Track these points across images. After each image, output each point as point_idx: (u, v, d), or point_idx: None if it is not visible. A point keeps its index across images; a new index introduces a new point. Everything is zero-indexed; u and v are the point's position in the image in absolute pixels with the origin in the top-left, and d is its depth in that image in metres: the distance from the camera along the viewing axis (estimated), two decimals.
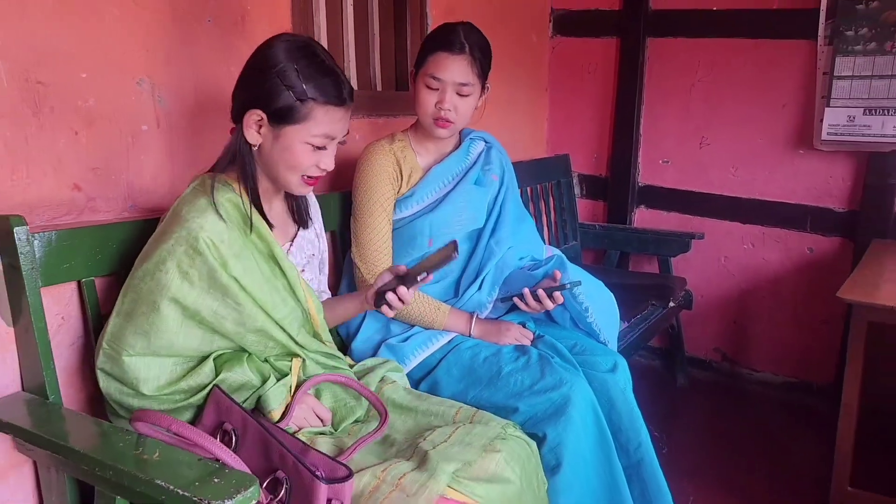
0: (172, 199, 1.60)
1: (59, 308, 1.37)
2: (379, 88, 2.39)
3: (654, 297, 2.69)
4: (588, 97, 3.22)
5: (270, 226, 1.40)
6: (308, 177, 1.39)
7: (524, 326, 1.86)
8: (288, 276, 1.40)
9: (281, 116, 1.32)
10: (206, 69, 1.69)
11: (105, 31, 1.47)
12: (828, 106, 2.61)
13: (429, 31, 2.47)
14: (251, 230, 1.35)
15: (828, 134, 2.63)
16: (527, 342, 1.79)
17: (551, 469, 1.54)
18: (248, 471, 1.05)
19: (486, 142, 2.01)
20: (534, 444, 1.53)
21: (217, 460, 1.07)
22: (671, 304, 2.70)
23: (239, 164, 1.37)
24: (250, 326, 1.34)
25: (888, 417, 2.54)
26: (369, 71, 2.37)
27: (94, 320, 1.41)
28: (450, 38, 1.75)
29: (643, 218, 3.20)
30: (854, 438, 1.92)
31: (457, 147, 1.95)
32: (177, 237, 1.28)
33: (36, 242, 1.28)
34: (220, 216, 1.31)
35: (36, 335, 1.26)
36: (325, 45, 2.08)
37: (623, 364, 1.78)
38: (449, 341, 1.80)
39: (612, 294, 1.95)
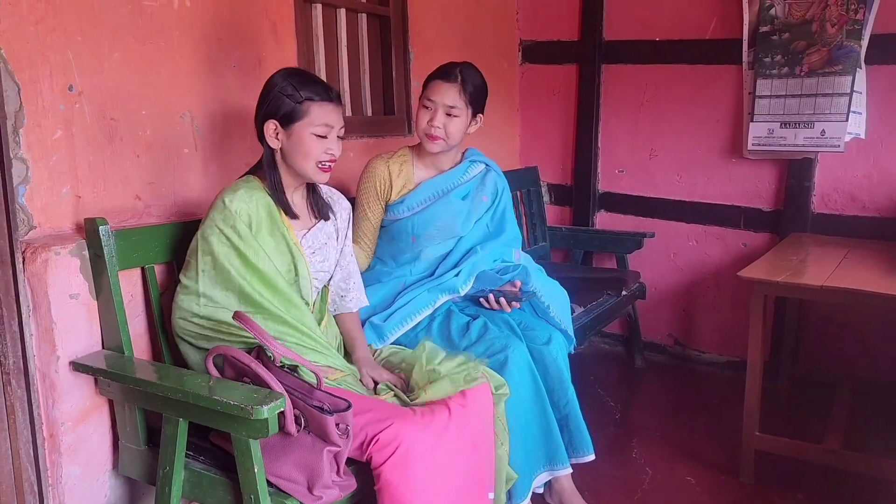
0: (207, 206, 2.06)
1: (129, 288, 1.81)
2: (369, 114, 2.85)
3: (609, 288, 3.12)
4: (553, 116, 3.68)
5: (293, 214, 1.82)
6: (320, 163, 1.78)
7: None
8: (290, 245, 1.80)
9: (288, 119, 1.74)
10: (232, 103, 2.14)
11: (158, 78, 1.93)
12: (752, 121, 3.07)
13: (411, 64, 2.95)
14: (271, 212, 1.78)
15: (753, 145, 3.09)
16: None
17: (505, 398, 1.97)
18: (282, 391, 1.49)
19: (486, 165, 2.38)
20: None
21: (258, 385, 1.51)
22: (623, 293, 3.13)
23: (267, 167, 1.79)
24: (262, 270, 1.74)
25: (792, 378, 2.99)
26: (361, 99, 2.82)
27: (154, 297, 1.85)
28: (447, 70, 2.18)
29: (603, 220, 3.64)
30: (759, 393, 2.35)
31: (455, 165, 2.32)
32: (216, 211, 1.73)
33: (114, 238, 1.72)
34: (246, 197, 1.75)
35: (115, 307, 1.71)
36: (325, 78, 2.55)
37: (558, 338, 2.20)
38: (418, 323, 2.20)
39: (565, 291, 2.38)
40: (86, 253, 1.71)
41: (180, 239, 1.91)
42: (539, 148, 3.76)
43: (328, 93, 1.78)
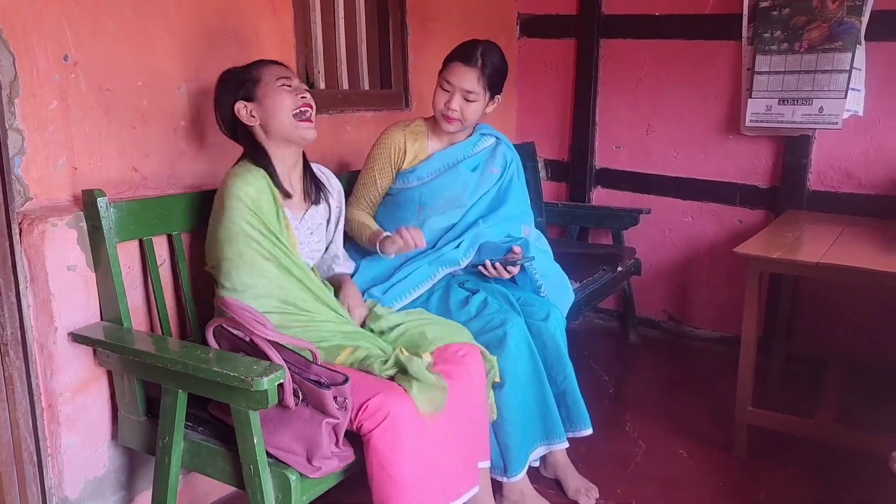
0: (203, 178, 2.07)
1: (126, 260, 1.81)
2: (366, 87, 2.83)
3: (605, 263, 3.13)
4: (551, 91, 3.67)
5: (287, 195, 1.84)
6: (297, 113, 1.79)
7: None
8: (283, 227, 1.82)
9: (250, 91, 1.79)
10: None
11: (154, 49, 1.91)
12: (750, 97, 3.06)
13: (409, 38, 2.92)
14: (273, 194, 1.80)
15: (750, 121, 3.08)
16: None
17: (496, 387, 2.00)
18: (281, 362, 1.49)
19: (496, 139, 2.36)
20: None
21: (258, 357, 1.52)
22: (619, 269, 3.15)
23: (253, 153, 1.81)
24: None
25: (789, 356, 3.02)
26: (358, 72, 2.80)
27: (152, 269, 1.85)
28: (468, 52, 2.14)
29: (600, 197, 3.65)
30: (753, 368, 2.37)
31: (467, 138, 2.31)
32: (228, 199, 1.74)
33: (112, 210, 1.71)
34: (252, 183, 1.76)
35: (114, 278, 1.70)
36: (321, 52, 2.53)
37: (556, 314, 2.20)
38: (419, 296, 2.20)
39: (566, 275, 2.39)
40: (83, 224, 1.70)
41: (179, 211, 1.91)
42: (536, 123, 3.75)
43: (268, 60, 1.86)
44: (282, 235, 1.79)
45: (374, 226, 2.22)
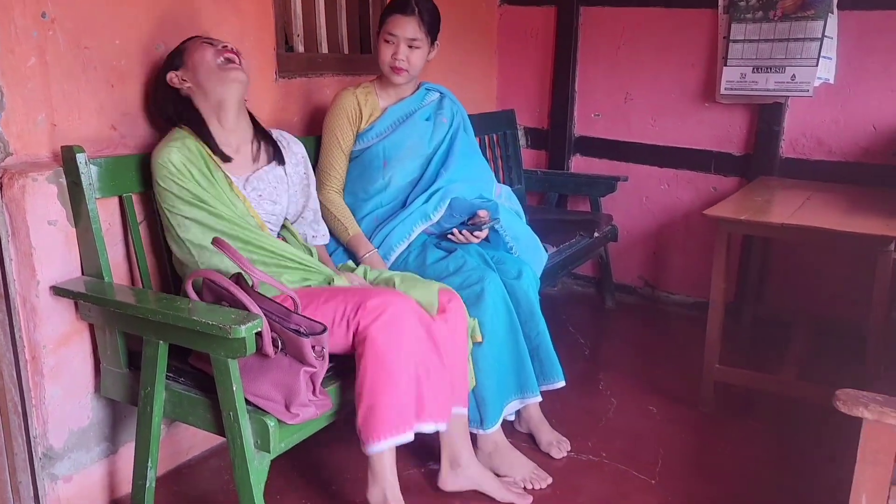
0: None
1: (107, 216, 1.84)
2: (346, 51, 2.85)
3: (581, 229, 3.19)
4: (531, 59, 3.69)
5: (226, 157, 1.87)
6: (220, 61, 1.84)
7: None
8: (223, 187, 1.85)
9: (177, 60, 1.86)
10: (207, 36, 2.14)
11: (132, 7, 1.92)
12: (725, 65, 3.12)
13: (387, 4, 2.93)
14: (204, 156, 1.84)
15: (725, 89, 3.14)
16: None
17: (474, 343, 2.05)
18: (258, 311, 1.54)
19: (440, 93, 2.47)
20: None
21: (235, 307, 1.56)
22: (595, 234, 3.21)
23: (186, 117, 1.87)
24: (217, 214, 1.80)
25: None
26: (337, 37, 2.82)
27: (132, 224, 1.89)
28: (403, 2, 2.24)
29: (578, 164, 3.70)
30: (721, 326, 2.45)
31: (414, 92, 2.40)
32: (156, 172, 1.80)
33: (91, 166, 1.74)
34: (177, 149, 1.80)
35: (94, 234, 1.74)
36: (300, 16, 2.55)
37: (527, 271, 2.27)
38: (397, 257, 2.27)
39: (536, 237, 2.46)
40: (63, 180, 1.73)
41: None
42: (516, 91, 3.78)
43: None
44: (219, 199, 1.82)
45: (352, 228, 2.28)
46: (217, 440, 2.25)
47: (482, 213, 2.27)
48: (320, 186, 2.30)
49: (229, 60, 1.85)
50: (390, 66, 2.25)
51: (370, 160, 2.32)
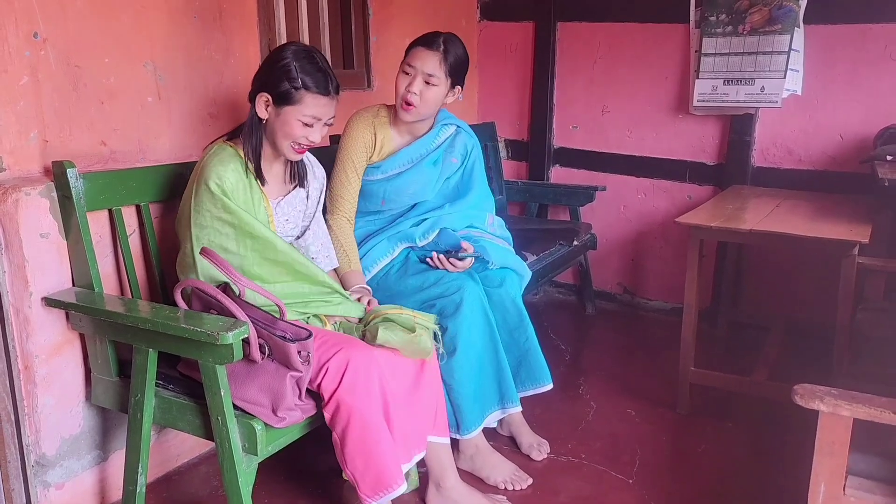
0: (171, 153, 2.16)
1: (97, 229, 1.90)
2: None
3: (562, 238, 3.27)
4: (511, 73, 3.79)
5: (264, 181, 1.87)
6: (297, 145, 1.83)
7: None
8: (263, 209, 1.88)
9: (281, 99, 1.78)
10: (194, 53, 2.21)
11: (121, 26, 1.99)
12: (698, 78, 3.22)
13: (370, 20, 3.02)
14: (249, 179, 1.84)
15: (698, 101, 3.24)
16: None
17: (451, 352, 2.08)
18: (245, 319, 1.60)
19: (456, 127, 2.39)
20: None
21: (223, 315, 1.62)
22: (575, 243, 3.29)
23: (248, 133, 1.83)
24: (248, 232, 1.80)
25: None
26: (321, 51, 2.88)
27: (122, 237, 1.94)
28: (430, 38, 2.19)
29: (558, 175, 3.79)
30: (695, 330, 2.53)
31: (429, 130, 2.33)
32: (204, 183, 1.76)
33: (82, 181, 1.80)
34: (230, 168, 1.80)
35: (84, 246, 1.79)
36: (284, 34, 2.62)
37: (511, 278, 2.31)
38: (379, 270, 2.30)
39: (521, 260, 2.45)
40: (54, 195, 1.79)
41: (148, 183, 2.00)
42: (497, 104, 3.87)
43: (327, 85, 1.81)
44: (258, 216, 1.83)
45: (355, 264, 2.23)
46: (205, 447, 2.30)
47: (466, 245, 2.25)
48: (331, 211, 2.25)
49: (301, 147, 1.85)
50: (402, 99, 2.18)
51: (369, 193, 2.31)
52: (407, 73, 2.19)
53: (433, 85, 2.17)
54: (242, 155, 1.84)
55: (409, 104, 2.18)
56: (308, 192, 2.04)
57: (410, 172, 2.30)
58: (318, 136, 1.85)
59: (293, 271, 1.86)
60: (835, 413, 1.29)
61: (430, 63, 2.17)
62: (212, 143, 1.90)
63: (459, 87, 2.27)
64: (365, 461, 1.72)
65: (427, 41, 2.20)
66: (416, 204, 2.37)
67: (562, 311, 3.76)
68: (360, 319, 1.97)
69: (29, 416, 1.82)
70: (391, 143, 2.31)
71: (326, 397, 1.71)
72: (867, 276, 2.41)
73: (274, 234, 1.83)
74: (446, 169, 2.37)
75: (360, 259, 2.28)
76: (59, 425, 1.89)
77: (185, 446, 2.26)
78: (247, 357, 1.63)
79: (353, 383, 1.70)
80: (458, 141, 2.38)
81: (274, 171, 1.93)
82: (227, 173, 1.77)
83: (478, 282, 2.23)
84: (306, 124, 1.81)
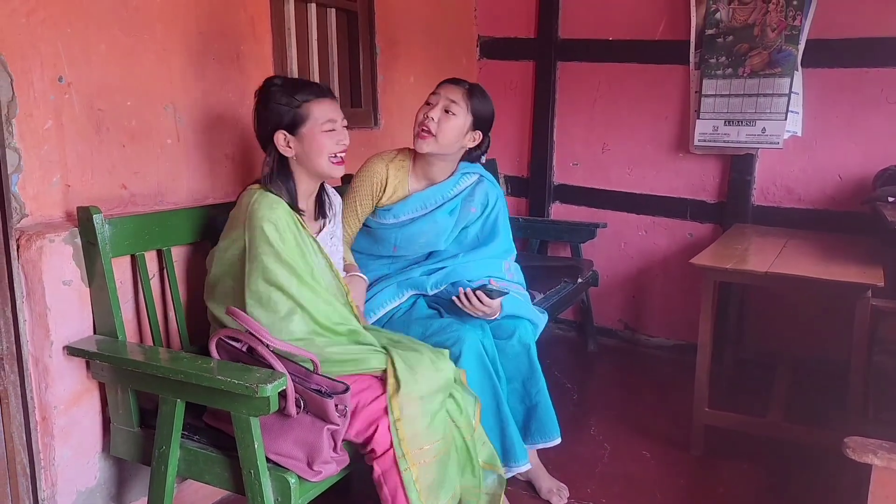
0: (189, 195, 2.13)
1: (119, 275, 1.85)
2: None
3: (565, 275, 3.28)
4: (511, 111, 3.81)
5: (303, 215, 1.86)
6: (333, 156, 1.83)
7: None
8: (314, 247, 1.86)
9: (294, 125, 1.80)
10: (212, 96, 2.19)
11: (143, 70, 1.97)
12: (699, 118, 3.27)
13: (378, 58, 3.03)
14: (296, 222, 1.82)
15: (699, 141, 3.29)
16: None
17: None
18: (283, 370, 1.57)
19: (479, 175, 2.31)
20: None
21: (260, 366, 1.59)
22: (579, 280, 3.30)
23: (278, 176, 1.83)
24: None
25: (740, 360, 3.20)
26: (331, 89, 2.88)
27: (144, 283, 1.90)
28: (459, 79, 2.19)
29: (558, 211, 3.81)
30: (709, 371, 2.54)
31: (449, 177, 2.26)
32: (257, 227, 1.74)
33: (107, 226, 1.76)
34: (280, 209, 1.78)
35: (109, 293, 1.75)
36: (296, 71, 2.62)
37: (524, 326, 2.26)
38: (384, 313, 2.24)
39: (535, 308, 2.40)
40: (78, 241, 1.75)
41: (171, 227, 1.97)
42: (497, 141, 3.84)
43: (321, 89, 1.85)
44: (308, 255, 1.81)
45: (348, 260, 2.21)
46: (218, 495, 2.24)
47: (493, 281, 2.19)
48: None
49: (338, 158, 1.85)
50: (419, 126, 2.13)
51: (381, 238, 2.28)
52: (428, 104, 2.16)
53: (453, 114, 2.12)
54: (281, 197, 1.82)
55: (425, 131, 2.12)
56: (331, 227, 2.03)
57: (423, 221, 2.24)
58: (345, 136, 1.86)
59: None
60: (889, 467, 1.29)
61: (454, 92, 2.15)
62: (245, 189, 1.88)
63: (481, 132, 2.23)
64: None
65: (455, 80, 2.20)
66: (431, 253, 2.32)
67: (563, 347, 3.75)
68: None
69: (45, 469, 1.76)
70: (405, 187, 2.26)
71: (380, 452, 1.68)
72: (881, 317, 2.44)
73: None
74: (463, 218, 2.28)
75: (367, 301, 2.22)
76: (76, 478, 1.82)
77: (198, 496, 2.19)
78: (281, 410, 1.59)
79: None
80: (478, 190, 2.30)
81: (308, 208, 1.93)
82: (274, 215, 1.76)
83: (486, 333, 2.17)
84: (328, 130, 1.82)
